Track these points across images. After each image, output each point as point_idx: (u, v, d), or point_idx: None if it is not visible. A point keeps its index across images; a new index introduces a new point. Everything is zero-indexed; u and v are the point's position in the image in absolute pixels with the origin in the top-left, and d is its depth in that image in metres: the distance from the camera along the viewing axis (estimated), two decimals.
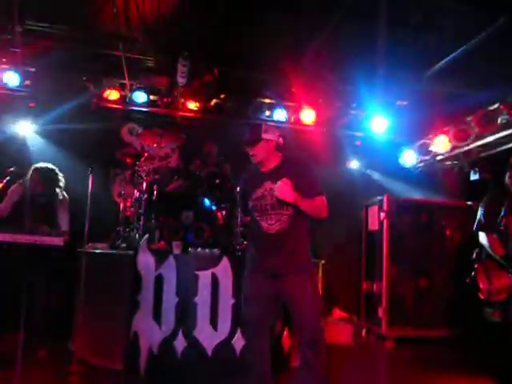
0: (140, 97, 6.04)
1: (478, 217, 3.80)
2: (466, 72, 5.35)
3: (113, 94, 6.03)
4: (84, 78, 5.87)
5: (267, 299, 2.92)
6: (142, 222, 4.77)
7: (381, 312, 5.42)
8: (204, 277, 3.92)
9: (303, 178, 2.87)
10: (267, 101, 6.50)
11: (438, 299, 5.50)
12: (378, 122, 6.48)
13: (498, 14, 4.12)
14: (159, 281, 3.90)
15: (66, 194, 4.78)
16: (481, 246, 3.82)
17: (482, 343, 4.57)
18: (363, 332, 5.82)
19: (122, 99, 6.11)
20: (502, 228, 3.35)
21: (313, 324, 2.84)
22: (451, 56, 4.98)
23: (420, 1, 4.29)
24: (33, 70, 5.61)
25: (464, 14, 4.36)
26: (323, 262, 4.65)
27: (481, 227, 3.73)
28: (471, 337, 5.02)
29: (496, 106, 5.47)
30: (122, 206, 5.36)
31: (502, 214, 3.14)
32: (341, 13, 4.47)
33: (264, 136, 2.91)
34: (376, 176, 6.99)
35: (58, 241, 3.64)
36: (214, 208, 5.07)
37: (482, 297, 3.53)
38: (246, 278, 3.07)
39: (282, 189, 2.75)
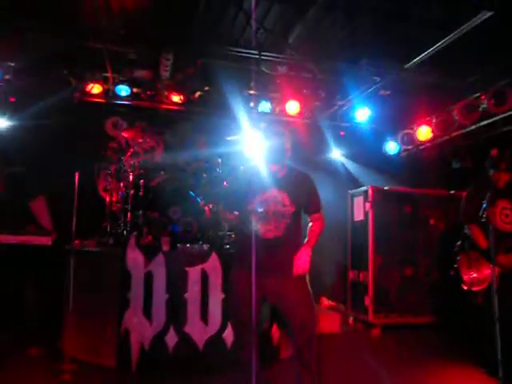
0: (123, 90, 5.99)
1: (461, 208, 3.89)
2: (448, 62, 5.40)
3: (95, 88, 5.97)
4: (65, 72, 5.78)
5: (256, 298, 2.95)
6: (129, 218, 4.76)
7: (367, 300, 5.53)
8: (194, 273, 3.95)
9: (306, 194, 3.03)
10: (252, 92, 6.49)
11: (422, 287, 5.63)
12: (361, 112, 6.54)
13: (480, 8, 4.16)
14: (149, 278, 3.92)
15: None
16: (464, 236, 3.92)
17: (465, 329, 4.70)
18: (350, 320, 5.94)
19: (105, 93, 6.07)
20: (483, 220, 3.44)
21: (309, 324, 2.94)
22: (434, 47, 5.01)
23: None
24: (12, 64, 5.49)
25: (445, 6, 4.39)
26: None
27: (464, 219, 3.82)
28: (455, 323, 5.16)
29: (477, 95, 5.57)
30: (108, 200, 5.33)
31: (484, 206, 3.21)
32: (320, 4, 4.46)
33: (287, 147, 3.01)
34: (360, 166, 7.05)
35: (46, 240, 3.63)
36: (200, 202, 5.07)
37: (465, 287, 3.64)
38: (235, 276, 3.10)
39: (303, 265, 2.92)
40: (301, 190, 3.00)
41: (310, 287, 3.02)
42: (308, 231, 3.08)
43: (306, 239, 3.04)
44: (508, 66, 5.09)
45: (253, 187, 3.04)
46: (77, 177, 3.95)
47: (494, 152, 3.53)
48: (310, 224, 3.11)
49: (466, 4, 4.14)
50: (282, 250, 2.95)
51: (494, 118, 5.46)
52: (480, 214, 3.35)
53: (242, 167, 3.37)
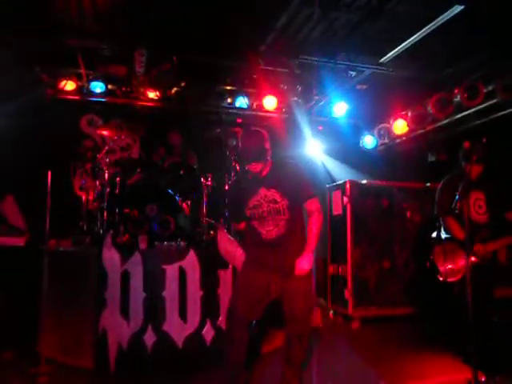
0: (98, 87, 5.89)
1: (435, 201, 3.94)
2: (422, 56, 5.47)
3: (69, 85, 5.86)
4: (37, 69, 5.65)
5: (259, 295, 3.00)
6: (105, 216, 4.70)
7: (347, 294, 5.57)
8: (171, 271, 3.92)
9: (294, 182, 2.96)
10: (228, 88, 6.46)
11: (400, 279, 5.70)
12: (338, 106, 6.58)
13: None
14: (126, 277, 3.87)
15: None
16: (439, 228, 3.98)
17: (442, 319, 4.79)
18: (330, 313, 5.98)
19: (79, 90, 5.95)
20: (457, 212, 3.49)
21: (304, 320, 3.02)
22: (407, 42, 5.06)
23: None
24: None
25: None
26: None
27: (439, 211, 3.88)
28: (432, 313, 5.25)
29: (450, 89, 5.65)
30: (84, 199, 5.26)
31: (457, 198, 3.26)
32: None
33: (267, 146, 2.96)
34: (338, 160, 7.09)
35: (19, 241, 3.56)
36: (178, 199, 5.03)
37: (440, 278, 3.70)
38: (243, 271, 3.15)
39: (304, 269, 2.92)
40: (288, 181, 2.95)
41: (312, 289, 3.06)
42: (307, 231, 3.01)
43: (307, 242, 2.98)
44: (479, 61, 5.18)
45: (243, 196, 3.04)
46: (49, 176, 3.86)
47: (465, 144, 3.58)
48: (308, 220, 3.03)
49: None
50: (286, 250, 2.95)
51: (467, 112, 5.54)
52: (453, 205, 3.40)
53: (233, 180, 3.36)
